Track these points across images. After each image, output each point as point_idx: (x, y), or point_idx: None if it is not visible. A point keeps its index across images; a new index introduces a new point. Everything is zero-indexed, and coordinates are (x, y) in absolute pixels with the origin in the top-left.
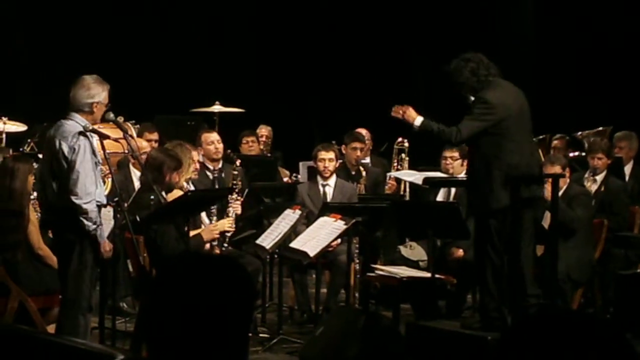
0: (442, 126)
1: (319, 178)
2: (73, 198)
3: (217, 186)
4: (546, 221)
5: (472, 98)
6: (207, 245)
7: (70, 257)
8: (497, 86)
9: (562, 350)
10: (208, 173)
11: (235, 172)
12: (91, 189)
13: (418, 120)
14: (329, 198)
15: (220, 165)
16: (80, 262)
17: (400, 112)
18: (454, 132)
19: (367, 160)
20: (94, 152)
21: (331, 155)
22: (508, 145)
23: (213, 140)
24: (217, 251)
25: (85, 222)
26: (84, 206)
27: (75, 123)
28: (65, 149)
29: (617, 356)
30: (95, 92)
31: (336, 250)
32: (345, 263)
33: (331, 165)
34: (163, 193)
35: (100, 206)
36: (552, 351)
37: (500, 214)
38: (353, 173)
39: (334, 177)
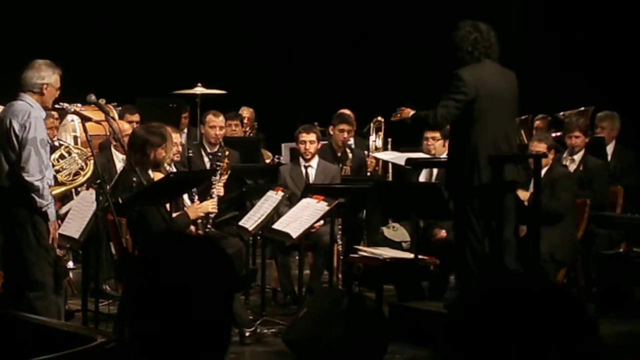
0: (429, 112)
1: (301, 159)
2: (25, 175)
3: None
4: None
5: None
6: (192, 227)
7: (26, 237)
8: (478, 66)
9: (512, 319)
10: (204, 154)
11: (226, 153)
12: (42, 167)
13: (410, 114)
14: (311, 179)
15: (216, 149)
16: (38, 242)
17: (399, 115)
18: (430, 115)
19: (351, 141)
20: (43, 132)
21: (312, 137)
22: (479, 127)
23: (216, 125)
24: (200, 233)
25: (38, 199)
26: (36, 183)
27: (25, 103)
28: (16, 126)
29: (571, 321)
30: (45, 73)
31: (319, 232)
32: (328, 244)
33: (312, 147)
34: (150, 172)
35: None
36: (500, 323)
37: (470, 195)
38: (339, 154)
39: (316, 159)
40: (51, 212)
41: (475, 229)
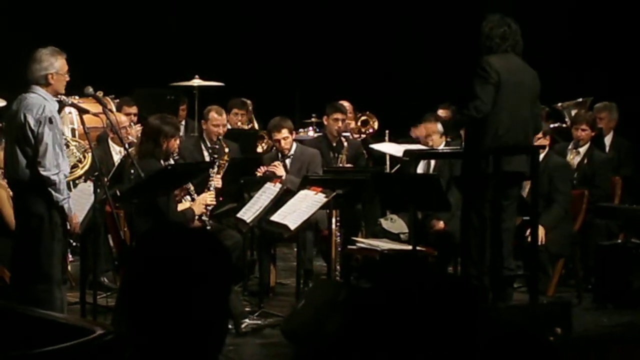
0: (468, 107)
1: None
2: (41, 170)
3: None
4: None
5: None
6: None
7: (40, 230)
8: (505, 56)
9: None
10: (203, 148)
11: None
12: (59, 161)
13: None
14: (289, 167)
15: (216, 143)
16: (52, 235)
17: None
18: (472, 106)
19: (348, 132)
20: (58, 125)
21: (284, 133)
22: (498, 116)
23: (219, 124)
24: (198, 224)
25: (54, 193)
26: (52, 177)
27: (37, 96)
28: (32, 121)
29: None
30: (47, 63)
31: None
32: (311, 239)
33: (287, 142)
34: (162, 162)
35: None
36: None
37: (483, 184)
38: (334, 144)
39: (293, 147)
40: (68, 206)
41: (485, 218)
